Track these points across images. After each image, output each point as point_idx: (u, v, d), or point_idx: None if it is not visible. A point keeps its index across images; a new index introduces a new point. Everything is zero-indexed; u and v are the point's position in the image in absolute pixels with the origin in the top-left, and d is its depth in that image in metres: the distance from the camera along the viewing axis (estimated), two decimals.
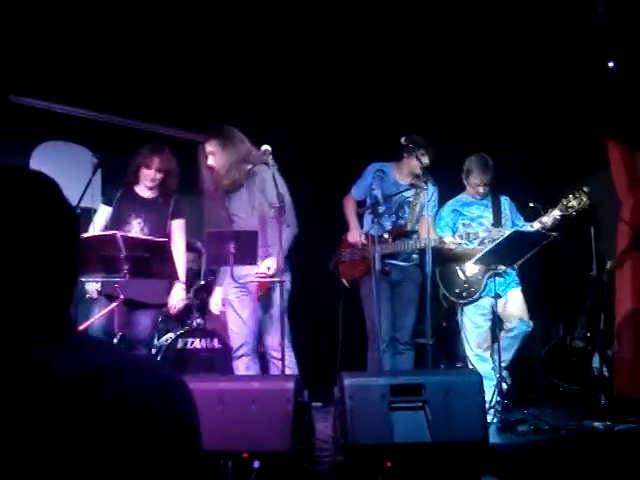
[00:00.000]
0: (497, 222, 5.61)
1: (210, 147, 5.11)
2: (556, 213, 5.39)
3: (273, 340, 4.97)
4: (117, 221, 5.25)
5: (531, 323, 5.58)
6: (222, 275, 5.23)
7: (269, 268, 4.87)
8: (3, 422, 0.97)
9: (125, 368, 1.09)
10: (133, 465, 1.01)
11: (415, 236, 5.62)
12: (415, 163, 5.54)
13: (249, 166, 5.11)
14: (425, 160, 5.46)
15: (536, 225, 5.43)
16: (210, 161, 5.11)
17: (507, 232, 5.27)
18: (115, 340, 4.97)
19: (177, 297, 5.41)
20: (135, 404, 1.04)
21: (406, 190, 5.59)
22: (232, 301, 5.16)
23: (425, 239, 5.32)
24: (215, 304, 5.34)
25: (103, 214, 5.36)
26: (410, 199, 5.63)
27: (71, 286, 1.15)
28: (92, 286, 5.23)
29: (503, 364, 5.30)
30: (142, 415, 1.04)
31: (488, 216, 5.69)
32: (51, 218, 1.12)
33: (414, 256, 5.64)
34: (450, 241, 5.42)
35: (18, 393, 0.99)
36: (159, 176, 5.30)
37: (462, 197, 5.83)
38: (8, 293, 1.06)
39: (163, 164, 5.29)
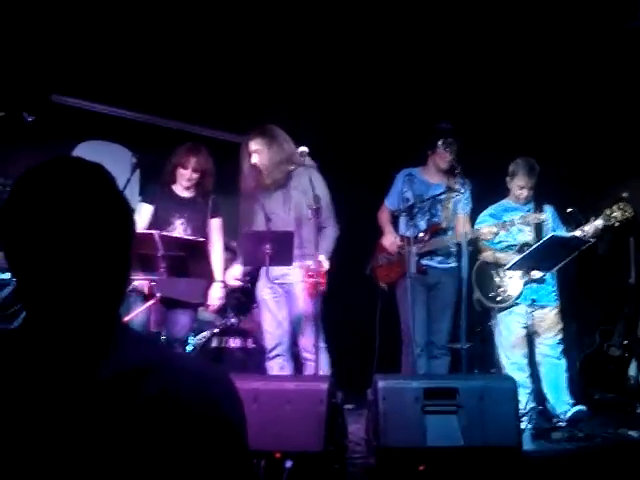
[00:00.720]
0: (538, 230, 5.54)
1: (255, 145, 5.12)
2: (598, 223, 5.31)
3: (307, 341, 4.98)
4: (159, 221, 5.27)
5: (561, 346, 5.53)
6: (262, 275, 5.24)
7: (321, 264, 4.85)
8: (53, 415, 0.99)
9: (169, 366, 1.10)
10: (175, 461, 1.02)
11: (451, 232, 5.58)
12: (441, 159, 5.56)
13: (291, 167, 5.12)
14: (450, 154, 5.47)
15: (577, 233, 5.35)
16: (254, 159, 5.12)
17: (545, 237, 5.23)
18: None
19: (215, 296, 5.41)
20: (177, 402, 1.05)
21: (442, 194, 5.56)
22: (267, 301, 5.18)
23: (461, 234, 5.30)
24: (232, 276, 5.35)
25: (145, 212, 5.35)
26: (442, 197, 5.60)
27: (126, 282, 1.16)
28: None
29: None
30: (184, 414, 1.04)
31: (531, 224, 5.60)
32: (110, 211, 1.13)
33: (451, 258, 5.60)
34: (487, 231, 5.33)
35: (66, 388, 1.00)
36: (195, 176, 5.33)
37: (504, 202, 5.75)
38: (75, 287, 1.07)
39: (199, 164, 5.32)
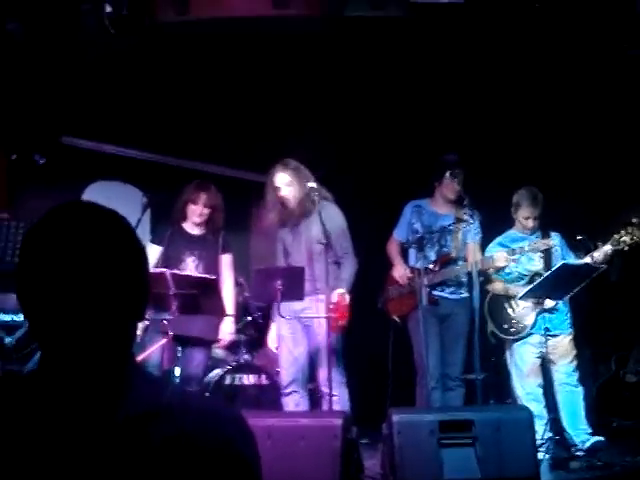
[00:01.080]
0: (547, 259, 5.52)
1: (283, 179, 5.19)
2: (607, 248, 5.28)
3: (324, 375, 4.97)
4: (171, 259, 5.29)
5: (577, 374, 5.50)
6: (275, 311, 5.26)
7: (342, 298, 4.89)
8: (72, 458, 0.99)
9: (183, 407, 1.10)
10: None
11: (461, 262, 5.58)
12: (447, 190, 5.58)
13: (316, 197, 5.18)
14: (456, 184, 5.49)
15: (587, 260, 5.33)
16: (284, 192, 5.18)
17: (555, 265, 5.22)
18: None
19: (226, 330, 5.45)
20: (192, 443, 1.05)
21: (450, 225, 5.57)
22: (285, 337, 5.20)
23: (472, 263, 5.31)
24: (272, 340, 5.38)
25: (153, 253, 5.36)
26: (451, 228, 5.61)
27: (138, 323, 1.18)
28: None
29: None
30: (199, 454, 1.04)
31: (538, 253, 5.60)
32: (126, 255, 1.14)
33: (463, 288, 5.59)
34: (500, 256, 5.35)
35: (83, 430, 1.01)
36: (206, 211, 5.38)
37: (511, 233, 5.73)
38: (88, 330, 1.08)
39: (209, 200, 5.37)
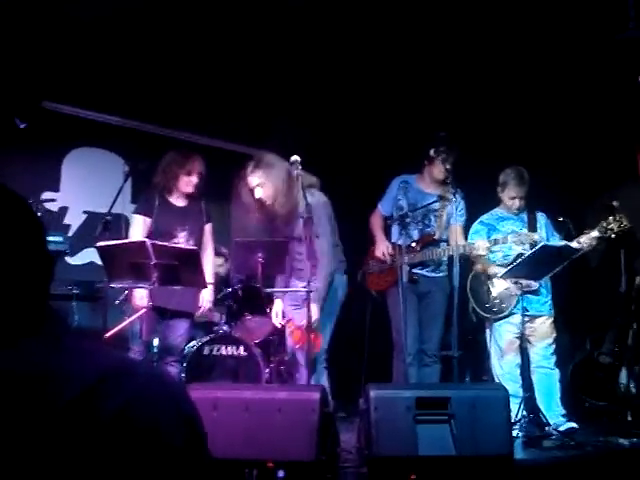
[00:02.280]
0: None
1: (256, 180, 5.03)
2: (594, 234, 5.30)
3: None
4: (163, 235, 5.21)
5: (554, 357, 5.55)
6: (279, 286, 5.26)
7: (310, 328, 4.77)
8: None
9: (124, 375, 1.06)
10: (142, 472, 0.99)
11: (444, 244, 5.59)
12: (436, 169, 5.59)
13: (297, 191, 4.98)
14: (446, 165, 5.49)
15: (574, 244, 5.33)
16: (259, 193, 5.02)
17: (536, 246, 5.25)
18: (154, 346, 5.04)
19: (206, 298, 5.44)
20: (143, 411, 1.01)
21: (434, 202, 5.58)
22: (294, 315, 5.24)
23: (454, 247, 5.33)
24: (276, 315, 5.36)
25: (140, 224, 5.31)
26: (436, 207, 5.62)
27: (35, 287, 1.11)
28: (142, 293, 5.17)
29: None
30: (152, 420, 1.00)
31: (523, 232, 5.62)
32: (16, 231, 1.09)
33: (442, 267, 5.62)
34: (480, 245, 5.37)
35: (17, 427, 0.94)
36: (197, 181, 5.35)
37: (497, 212, 5.77)
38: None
39: (201, 166, 5.35)
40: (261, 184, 5.01)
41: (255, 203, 5.07)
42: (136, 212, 5.41)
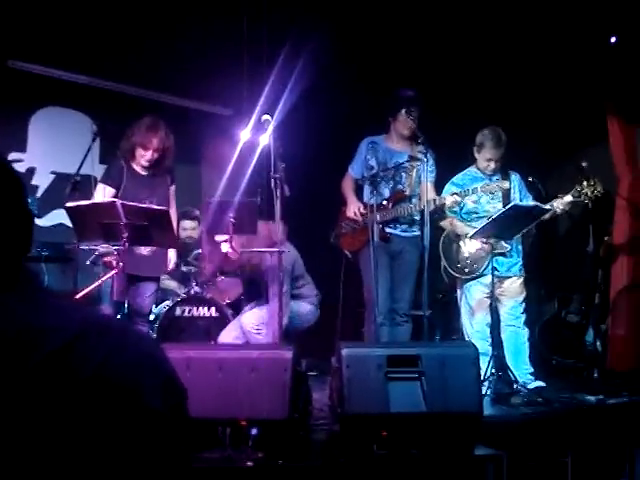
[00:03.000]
0: (506, 200, 5.55)
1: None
2: (568, 199, 5.31)
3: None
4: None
5: (524, 316, 5.61)
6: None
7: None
8: None
9: (98, 331, 1.04)
10: (121, 431, 0.98)
11: (415, 200, 5.58)
12: (401, 125, 5.58)
13: None
14: (410, 118, 5.48)
15: (546, 207, 5.34)
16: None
17: (508, 205, 5.28)
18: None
19: (173, 259, 5.53)
20: (121, 365, 1.00)
21: (405, 162, 5.57)
22: None
23: (425, 202, 5.29)
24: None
25: (100, 193, 5.28)
26: (405, 165, 5.60)
27: (13, 246, 1.10)
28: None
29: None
30: (128, 379, 1.00)
31: (497, 193, 5.64)
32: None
33: (415, 226, 5.61)
34: (451, 200, 5.36)
35: None
36: (156, 156, 5.27)
37: (471, 171, 5.72)
38: None
39: (161, 143, 5.25)
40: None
41: None
42: (100, 181, 5.39)
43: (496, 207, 5.52)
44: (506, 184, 5.38)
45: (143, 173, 5.36)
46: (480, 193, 5.38)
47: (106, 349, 1.00)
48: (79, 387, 0.95)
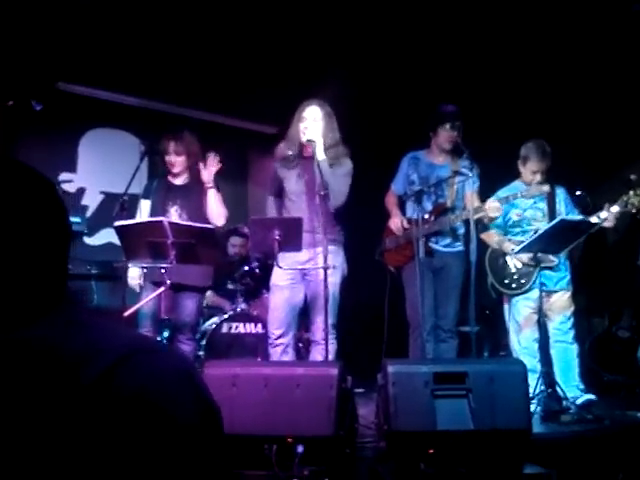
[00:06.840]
0: (551, 213, 5.50)
1: (318, 113, 5.05)
2: (615, 209, 5.26)
3: (320, 325, 4.94)
4: (156, 212, 5.29)
5: (573, 331, 5.53)
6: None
7: None
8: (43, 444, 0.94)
9: (139, 352, 1.05)
10: (159, 450, 0.99)
11: (458, 212, 5.52)
12: (441, 138, 5.56)
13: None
14: (451, 132, 5.46)
15: (593, 220, 5.30)
16: (309, 124, 5.01)
17: (554, 221, 5.22)
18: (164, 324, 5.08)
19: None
20: (156, 389, 1.01)
21: (448, 178, 5.54)
22: (283, 287, 5.08)
23: (467, 212, 5.26)
24: None
25: (144, 208, 5.41)
26: (446, 176, 5.57)
27: (56, 267, 1.12)
28: (135, 273, 5.27)
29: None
30: (165, 400, 1.01)
31: (542, 207, 5.56)
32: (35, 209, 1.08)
33: (458, 242, 5.58)
34: (492, 206, 5.28)
35: (44, 405, 0.96)
36: (179, 159, 5.35)
37: (515, 185, 5.68)
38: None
39: (181, 146, 5.33)
40: (319, 119, 5.01)
41: (297, 134, 5.05)
42: (142, 197, 5.51)
43: (542, 222, 5.47)
44: (546, 187, 5.30)
45: (176, 183, 5.45)
46: (520, 198, 5.34)
47: (145, 372, 1.02)
48: (119, 410, 0.97)
